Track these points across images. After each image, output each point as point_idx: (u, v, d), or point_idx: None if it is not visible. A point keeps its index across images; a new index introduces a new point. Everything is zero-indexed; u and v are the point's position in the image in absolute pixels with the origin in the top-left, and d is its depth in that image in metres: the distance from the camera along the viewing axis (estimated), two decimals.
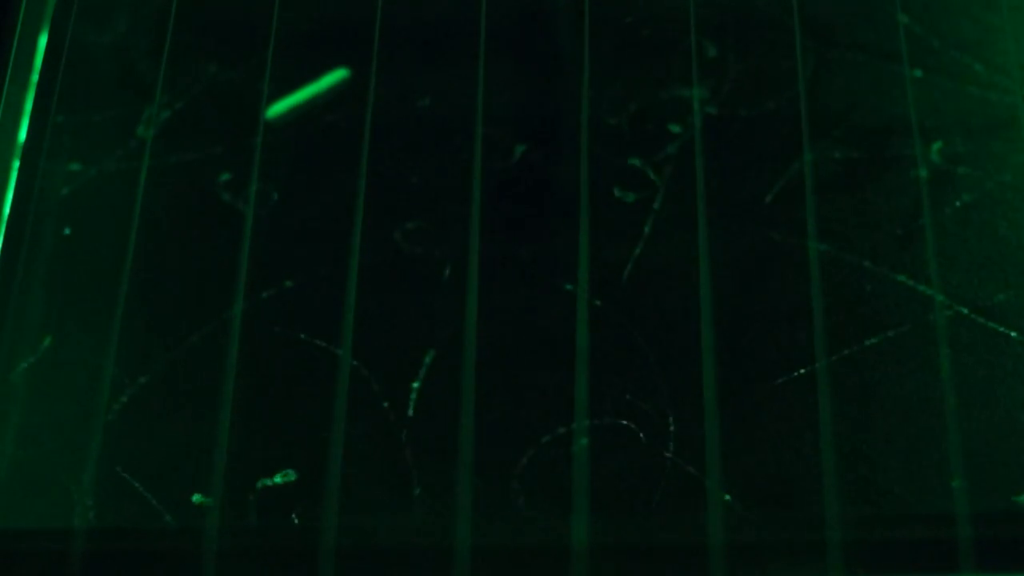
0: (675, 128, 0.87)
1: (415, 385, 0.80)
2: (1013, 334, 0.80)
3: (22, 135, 0.88)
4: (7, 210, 0.85)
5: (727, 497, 0.75)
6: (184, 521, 0.76)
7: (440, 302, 0.82)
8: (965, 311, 0.81)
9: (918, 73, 0.89)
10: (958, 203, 0.84)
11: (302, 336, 0.82)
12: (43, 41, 0.90)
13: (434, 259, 0.84)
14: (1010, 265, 0.82)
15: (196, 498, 0.76)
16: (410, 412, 0.79)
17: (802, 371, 0.79)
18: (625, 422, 0.79)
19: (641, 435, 0.78)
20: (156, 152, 0.87)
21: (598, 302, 0.82)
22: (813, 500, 0.75)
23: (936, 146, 0.86)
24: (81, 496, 0.76)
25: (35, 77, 0.89)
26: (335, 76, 0.80)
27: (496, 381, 0.80)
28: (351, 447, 0.77)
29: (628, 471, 0.77)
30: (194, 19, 0.92)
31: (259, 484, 0.77)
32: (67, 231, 0.85)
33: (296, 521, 0.76)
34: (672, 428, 0.78)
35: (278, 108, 0.85)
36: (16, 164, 0.87)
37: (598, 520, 0.75)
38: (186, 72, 0.90)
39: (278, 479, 0.77)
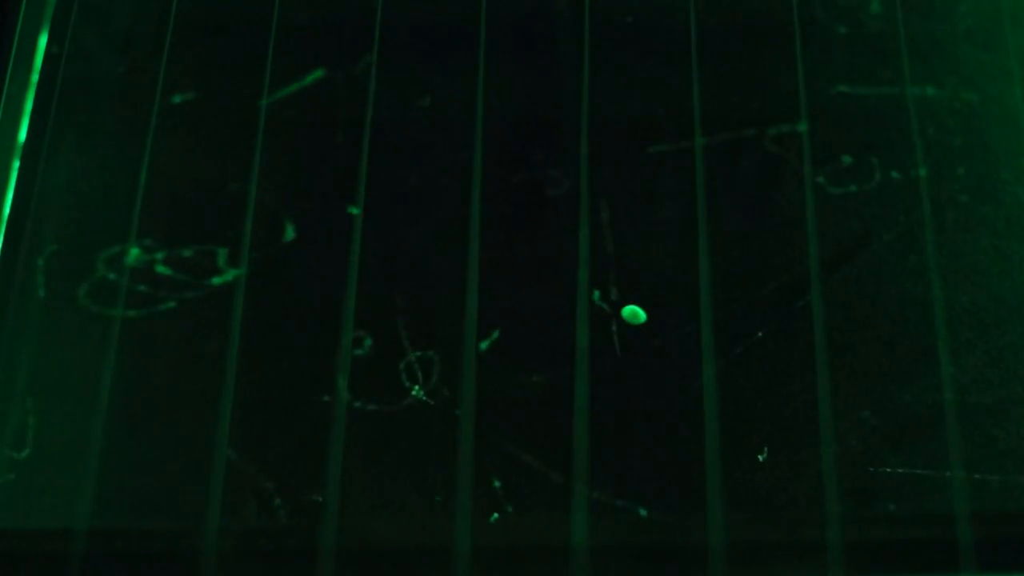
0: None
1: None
2: None
3: (22, 135, 0.88)
4: (7, 210, 0.85)
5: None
6: (184, 521, 0.76)
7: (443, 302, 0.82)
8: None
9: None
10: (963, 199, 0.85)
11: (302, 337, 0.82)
12: (43, 41, 0.90)
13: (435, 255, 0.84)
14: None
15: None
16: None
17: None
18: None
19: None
20: (157, 151, 0.87)
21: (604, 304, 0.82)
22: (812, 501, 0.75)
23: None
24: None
25: (35, 77, 0.89)
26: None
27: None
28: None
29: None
30: (193, 19, 0.92)
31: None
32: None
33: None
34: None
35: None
36: (16, 164, 0.87)
37: (598, 520, 0.75)
38: (185, 71, 0.90)
39: None
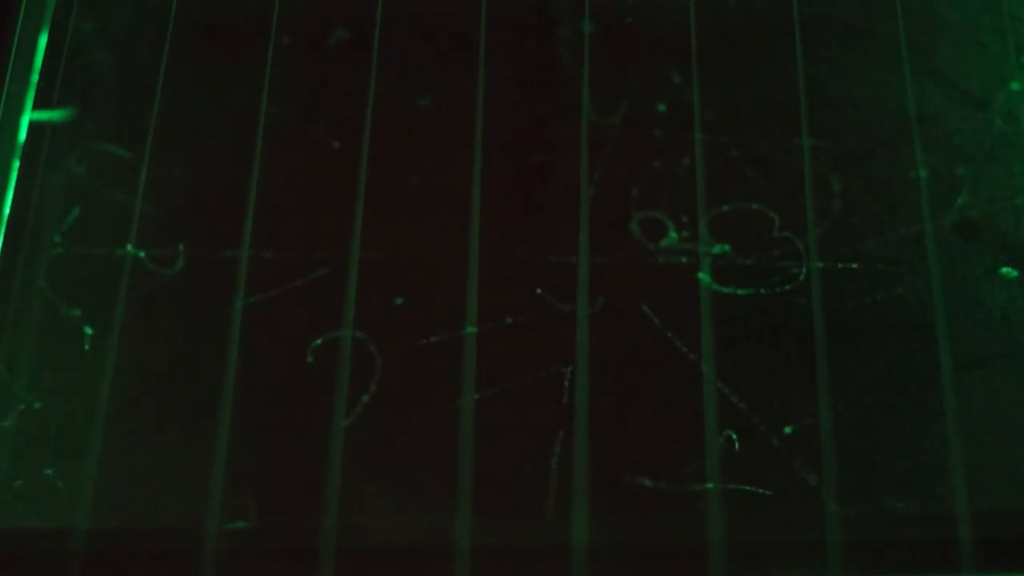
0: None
1: None
2: None
3: (22, 135, 0.88)
4: (7, 210, 0.85)
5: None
6: (184, 521, 0.76)
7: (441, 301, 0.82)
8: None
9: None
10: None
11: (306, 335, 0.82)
12: (43, 41, 0.90)
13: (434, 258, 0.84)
14: None
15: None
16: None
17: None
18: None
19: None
20: (155, 150, 0.87)
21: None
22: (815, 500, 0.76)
23: None
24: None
25: (35, 77, 0.89)
26: None
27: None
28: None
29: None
30: (194, 18, 0.92)
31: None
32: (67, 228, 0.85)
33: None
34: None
35: None
36: (16, 164, 0.87)
37: (599, 520, 0.75)
38: (186, 71, 0.90)
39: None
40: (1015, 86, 0.88)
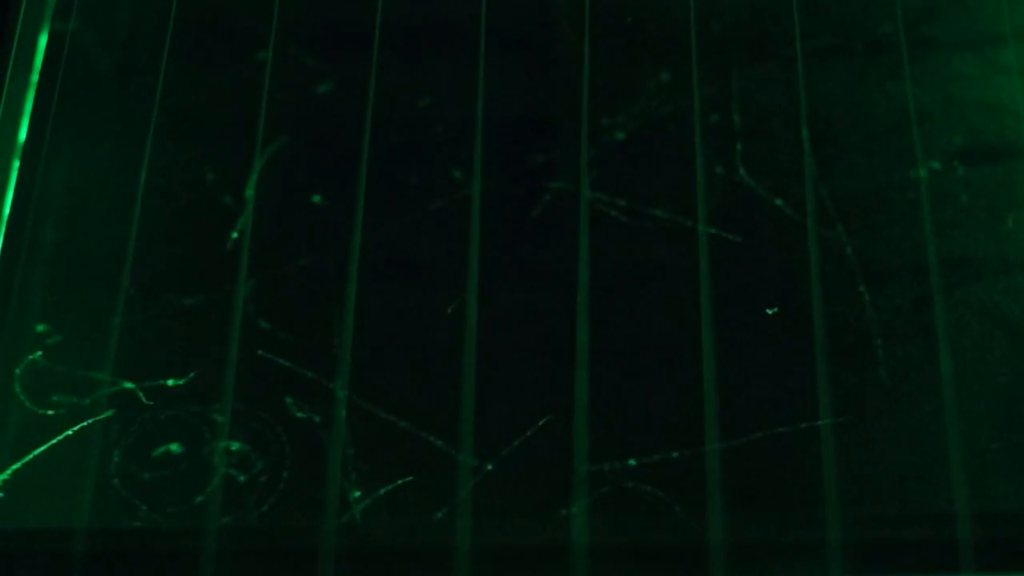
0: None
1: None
2: None
3: (22, 135, 0.88)
4: (7, 210, 0.85)
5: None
6: (184, 521, 0.76)
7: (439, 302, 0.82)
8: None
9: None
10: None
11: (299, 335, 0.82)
12: (43, 41, 0.90)
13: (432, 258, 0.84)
14: None
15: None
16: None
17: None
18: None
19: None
20: (156, 148, 0.87)
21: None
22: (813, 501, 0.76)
23: None
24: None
25: (35, 77, 0.89)
26: None
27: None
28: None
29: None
30: (194, 19, 0.92)
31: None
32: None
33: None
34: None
35: None
36: (16, 164, 0.87)
37: (599, 520, 0.75)
38: (185, 72, 0.90)
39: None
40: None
